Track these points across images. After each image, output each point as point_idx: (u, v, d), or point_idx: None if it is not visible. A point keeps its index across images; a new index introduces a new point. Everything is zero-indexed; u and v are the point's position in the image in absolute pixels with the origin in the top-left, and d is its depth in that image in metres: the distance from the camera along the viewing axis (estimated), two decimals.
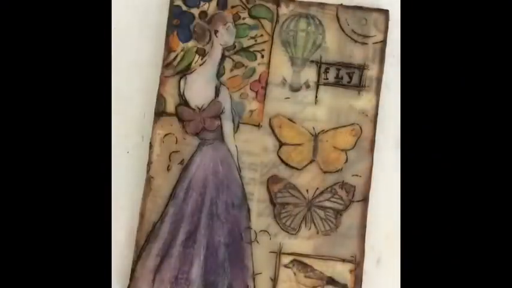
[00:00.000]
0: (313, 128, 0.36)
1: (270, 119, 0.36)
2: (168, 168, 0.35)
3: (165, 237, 0.35)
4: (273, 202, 0.35)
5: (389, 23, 0.36)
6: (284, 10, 0.36)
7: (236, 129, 0.36)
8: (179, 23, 0.36)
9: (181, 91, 0.36)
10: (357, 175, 0.35)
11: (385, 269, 0.36)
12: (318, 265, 0.35)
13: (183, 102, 0.36)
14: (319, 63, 0.36)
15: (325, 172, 0.35)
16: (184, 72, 0.36)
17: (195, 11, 0.36)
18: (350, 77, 0.36)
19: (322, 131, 0.36)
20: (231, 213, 0.35)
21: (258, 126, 0.36)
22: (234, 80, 0.36)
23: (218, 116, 0.35)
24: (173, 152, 0.35)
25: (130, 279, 0.35)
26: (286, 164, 0.35)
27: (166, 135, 0.36)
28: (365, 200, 0.35)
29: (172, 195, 0.35)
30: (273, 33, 0.36)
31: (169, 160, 0.35)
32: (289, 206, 0.35)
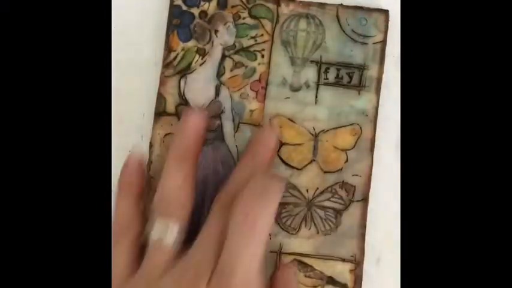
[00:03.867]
0: (313, 128, 0.36)
1: (270, 119, 0.36)
2: None
3: None
4: None
5: (389, 23, 0.36)
6: (284, 10, 0.36)
7: (236, 129, 0.36)
8: (179, 23, 0.36)
9: (182, 91, 0.36)
10: (357, 175, 0.35)
11: (385, 269, 0.36)
12: (318, 265, 0.35)
13: (183, 102, 0.36)
14: (319, 63, 0.36)
15: (325, 172, 0.35)
16: (185, 72, 0.36)
17: (195, 11, 0.36)
18: (350, 77, 0.36)
19: (322, 131, 0.36)
20: None
21: (258, 126, 0.36)
22: (234, 80, 0.36)
23: (218, 116, 0.35)
24: None
25: None
26: (286, 164, 0.35)
27: (166, 135, 0.36)
28: (365, 199, 0.35)
29: None
30: (273, 33, 0.36)
31: None
32: (289, 205, 0.35)
